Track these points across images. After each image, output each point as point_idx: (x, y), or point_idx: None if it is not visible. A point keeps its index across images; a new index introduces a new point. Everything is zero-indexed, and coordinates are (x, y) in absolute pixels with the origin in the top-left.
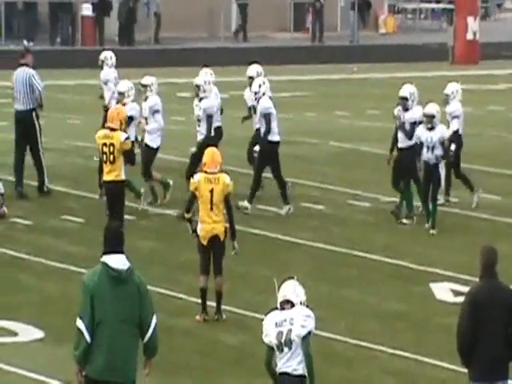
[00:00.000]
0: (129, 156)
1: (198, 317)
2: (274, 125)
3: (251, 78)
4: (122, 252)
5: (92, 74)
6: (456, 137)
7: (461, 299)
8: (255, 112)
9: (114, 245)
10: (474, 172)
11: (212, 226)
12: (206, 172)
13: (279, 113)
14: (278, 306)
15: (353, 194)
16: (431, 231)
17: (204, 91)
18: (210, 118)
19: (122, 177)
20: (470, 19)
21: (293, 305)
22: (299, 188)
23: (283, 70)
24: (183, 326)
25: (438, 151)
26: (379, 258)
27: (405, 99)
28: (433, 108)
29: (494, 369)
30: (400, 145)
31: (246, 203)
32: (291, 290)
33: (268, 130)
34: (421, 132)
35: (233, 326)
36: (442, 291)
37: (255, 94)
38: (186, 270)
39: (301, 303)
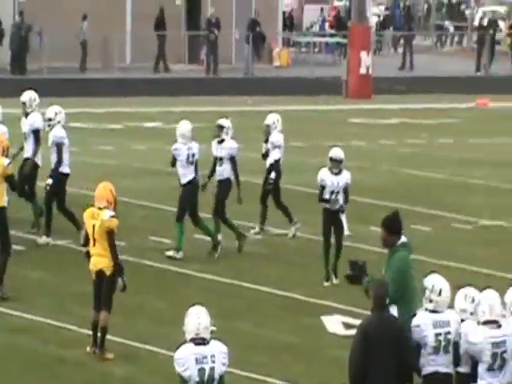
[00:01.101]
0: (11, 182)
1: (88, 348)
2: (66, 156)
3: (24, 104)
4: None
5: None
6: (276, 166)
7: (352, 332)
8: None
9: None
10: (364, 205)
11: (96, 260)
12: (93, 206)
13: (168, 144)
14: (189, 340)
15: (244, 226)
16: (334, 281)
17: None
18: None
19: (5, 203)
20: (364, 54)
21: (204, 339)
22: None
23: (178, 101)
24: (74, 357)
25: (341, 198)
26: (270, 290)
27: (221, 128)
28: (340, 152)
29: None
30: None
31: (43, 238)
32: (203, 325)
33: (60, 161)
34: (325, 175)
35: (123, 358)
36: (334, 324)
37: (49, 120)
38: (76, 300)
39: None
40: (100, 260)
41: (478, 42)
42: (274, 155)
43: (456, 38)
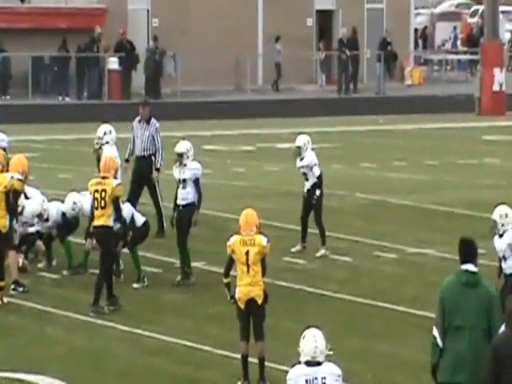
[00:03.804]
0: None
1: (239, 383)
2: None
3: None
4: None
5: (119, 127)
6: (320, 182)
7: None
8: None
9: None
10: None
11: (248, 289)
12: (241, 234)
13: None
14: (303, 362)
15: (380, 246)
16: None
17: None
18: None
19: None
20: (497, 70)
21: (319, 362)
22: (327, 240)
23: (309, 121)
24: (210, 378)
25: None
26: (407, 310)
27: (180, 155)
28: (504, 209)
29: None
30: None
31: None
32: (319, 348)
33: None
34: (495, 241)
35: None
36: None
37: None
38: (211, 322)
39: (325, 356)
40: (252, 289)
41: None
42: (316, 172)
43: None
